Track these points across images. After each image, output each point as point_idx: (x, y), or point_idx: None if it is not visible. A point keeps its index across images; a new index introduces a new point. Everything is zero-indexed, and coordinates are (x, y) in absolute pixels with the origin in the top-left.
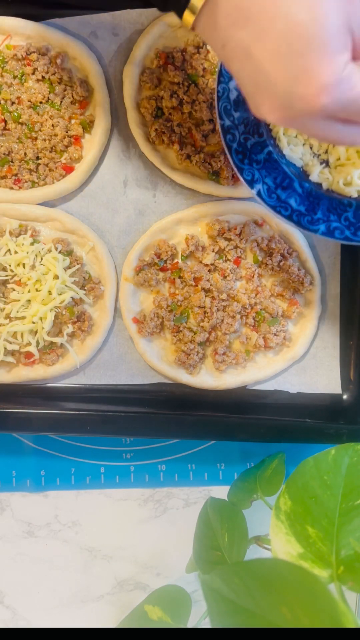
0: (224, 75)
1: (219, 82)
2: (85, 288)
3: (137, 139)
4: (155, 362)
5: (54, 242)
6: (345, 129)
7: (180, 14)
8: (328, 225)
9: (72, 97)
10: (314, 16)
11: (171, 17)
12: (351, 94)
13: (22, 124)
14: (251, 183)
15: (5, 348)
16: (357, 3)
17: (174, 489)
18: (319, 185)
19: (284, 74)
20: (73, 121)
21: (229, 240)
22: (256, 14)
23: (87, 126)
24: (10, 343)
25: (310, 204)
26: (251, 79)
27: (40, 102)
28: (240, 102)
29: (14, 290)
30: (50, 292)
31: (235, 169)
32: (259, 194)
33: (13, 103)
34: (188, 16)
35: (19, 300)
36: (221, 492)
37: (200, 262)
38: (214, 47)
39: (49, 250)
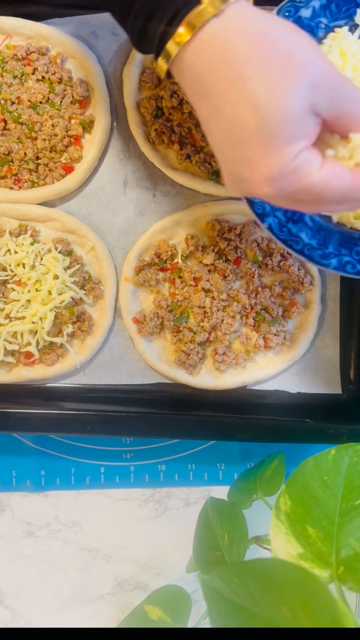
0: None
1: None
2: (85, 288)
3: (137, 139)
4: (155, 362)
5: (54, 242)
6: (305, 206)
7: (155, 58)
8: (340, 259)
9: (72, 97)
10: (262, 109)
11: None
12: (300, 185)
13: (22, 124)
14: (262, 217)
15: (5, 348)
16: (323, 85)
17: (174, 489)
18: (329, 218)
19: (231, 155)
20: (73, 121)
21: (229, 240)
22: (212, 90)
23: (87, 126)
24: (10, 343)
25: (321, 237)
26: (212, 144)
27: (40, 102)
28: None
29: (13, 290)
30: (50, 292)
31: (246, 204)
32: (269, 227)
33: (13, 103)
34: (162, 63)
35: (18, 300)
36: (221, 492)
37: (200, 262)
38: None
39: (49, 250)
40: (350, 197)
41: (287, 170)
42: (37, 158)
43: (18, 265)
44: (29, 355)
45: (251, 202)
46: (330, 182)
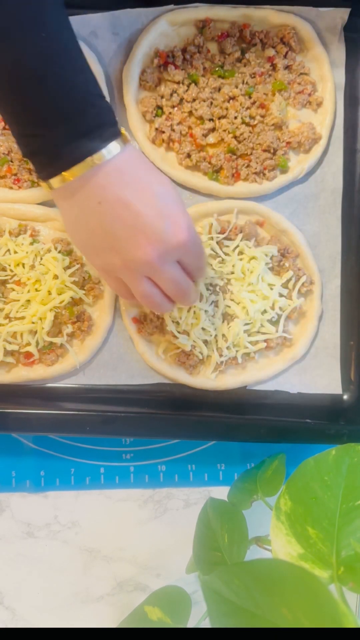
0: None
1: None
2: (85, 288)
3: (137, 138)
4: (155, 362)
5: (54, 241)
6: (181, 273)
7: (51, 175)
8: None
9: None
10: (171, 191)
11: (172, 16)
12: (197, 240)
13: None
14: None
15: (4, 348)
16: None
17: (174, 490)
18: None
19: (160, 219)
20: None
21: (229, 240)
22: (133, 180)
23: None
24: (10, 343)
25: None
26: (128, 224)
27: None
28: None
29: (13, 290)
30: (49, 292)
31: None
32: None
33: None
34: (57, 182)
35: (18, 300)
36: (221, 492)
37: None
38: (87, 203)
39: (49, 250)
40: (202, 271)
41: (192, 224)
42: None
43: (18, 265)
44: (28, 355)
45: None
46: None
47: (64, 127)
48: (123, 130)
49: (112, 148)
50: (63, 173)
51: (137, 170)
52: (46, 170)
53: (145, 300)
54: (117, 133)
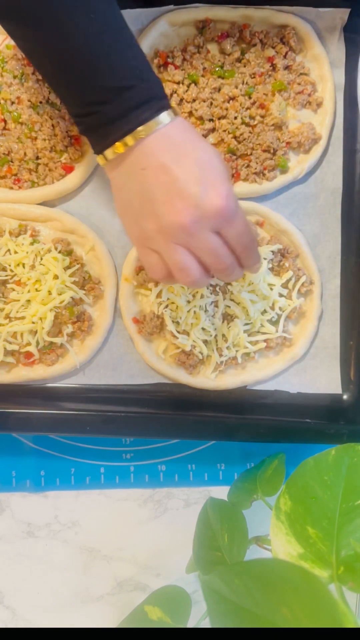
0: None
1: None
2: (85, 288)
3: None
4: (155, 362)
5: (54, 242)
6: (221, 244)
7: (111, 144)
8: None
9: None
10: (215, 158)
11: (172, 16)
12: (237, 211)
13: (22, 123)
14: None
15: (5, 348)
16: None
17: (174, 490)
18: None
19: (197, 184)
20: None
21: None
22: (177, 147)
23: None
24: (10, 343)
25: None
26: (165, 189)
27: (40, 102)
28: None
29: (13, 290)
30: (50, 292)
31: None
32: None
33: (13, 103)
34: (110, 154)
35: (18, 300)
36: (221, 492)
37: None
38: (133, 170)
39: (49, 250)
40: (251, 248)
41: (233, 194)
42: (37, 158)
43: (18, 265)
44: (28, 355)
45: None
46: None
47: (117, 102)
48: (173, 103)
49: (162, 119)
50: (116, 143)
51: (183, 138)
52: (100, 144)
53: (181, 273)
54: (166, 105)
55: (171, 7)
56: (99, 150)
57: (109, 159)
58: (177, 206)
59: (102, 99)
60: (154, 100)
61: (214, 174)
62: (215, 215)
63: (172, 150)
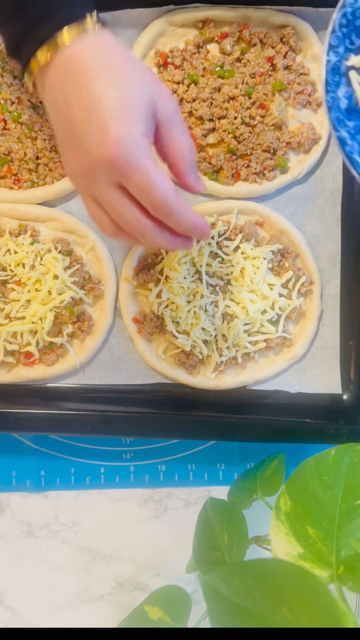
0: (330, 84)
1: (327, 91)
2: (85, 288)
3: None
4: (155, 362)
5: (54, 242)
6: (123, 202)
7: (26, 64)
8: None
9: None
10: (114, 92)
11: (171, 16)
12: (139, 162)
13: (22, 124)
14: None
15: (5, 348)
16: (166, 98)
17: (174, 489)
18: None
19: (87, 125)
20: None
21: (229, 240)
22: (79, 76)
23: None
24: (10, 343)
25: None
26: (65, 127)
27: (40, 102)
28: (353, 110)
29: (13, 290)
30: (50, 292)
31: None
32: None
33: (13, 103)
34: (27, 79)
35: (18, 300)
36: (221, 492)
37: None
38: (47, 104)
39: (49, 250)
40: (164, 210)
41: (132, 140)
42: (37, 158)
43: (18, 265)
44: (28, 355)
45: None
46: (161, 179)
47: (24, 21)
48: (89, 16)
49: (67, 36)
50: (30, 67)
51: (88, 64)
52: (21, 69)
53: (96, 225)
54: (72, 18)
55: (171, 7)
56: (23, 78)
57: (30, 87)
58: (69, 152)
59: (15, 17)
60: (56, 13)
61: (110, 113)
62: (104, 164)
63: (73, 80)
